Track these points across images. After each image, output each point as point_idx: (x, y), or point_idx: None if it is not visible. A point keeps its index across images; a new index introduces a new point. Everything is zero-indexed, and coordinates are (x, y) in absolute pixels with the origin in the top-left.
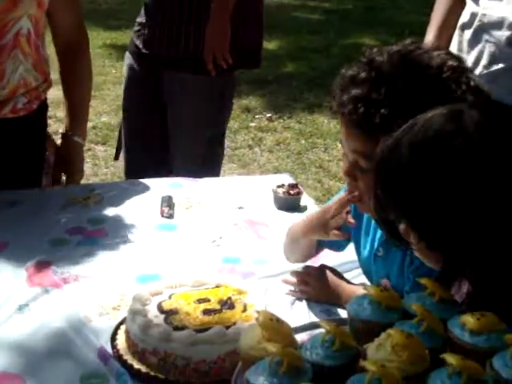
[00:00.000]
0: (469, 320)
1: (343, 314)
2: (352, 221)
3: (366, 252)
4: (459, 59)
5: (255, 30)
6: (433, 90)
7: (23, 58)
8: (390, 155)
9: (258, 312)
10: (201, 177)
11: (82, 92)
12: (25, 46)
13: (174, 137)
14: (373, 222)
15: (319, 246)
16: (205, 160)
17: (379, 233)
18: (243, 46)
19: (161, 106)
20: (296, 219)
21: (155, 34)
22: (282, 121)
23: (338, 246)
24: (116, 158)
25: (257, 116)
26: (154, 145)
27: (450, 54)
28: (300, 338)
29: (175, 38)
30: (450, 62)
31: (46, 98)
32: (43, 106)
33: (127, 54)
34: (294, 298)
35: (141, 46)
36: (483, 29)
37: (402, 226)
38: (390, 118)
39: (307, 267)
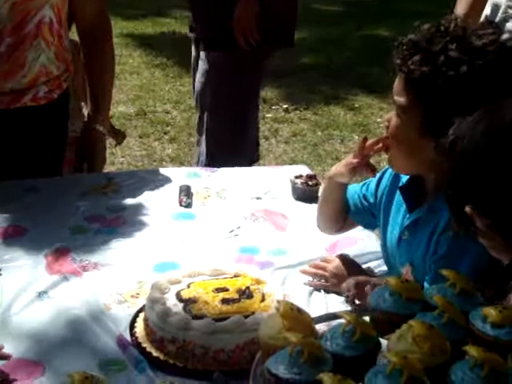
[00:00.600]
0: (491, 312)
1: None
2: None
3: (392, 233)
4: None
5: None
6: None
7: (45, 47)
8: (467, 142)
9: (278, 301)
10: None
11: (104, 80)
12: (47, 35)
13: None
14: (402, 209)
15: (351, 218)
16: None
17: (406, 217)
18: (276, 23)
19: None
20: (314, 210)
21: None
22: (298, 112)
23: (370, 224)
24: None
25: (273, 107)
26: None
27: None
28: (319, 328)
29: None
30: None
31: (67, 87)
32: (65, 95)
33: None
34: (312, 288)
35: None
36: (507, 20)
37: (472, 215)
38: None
39: (327, 258)
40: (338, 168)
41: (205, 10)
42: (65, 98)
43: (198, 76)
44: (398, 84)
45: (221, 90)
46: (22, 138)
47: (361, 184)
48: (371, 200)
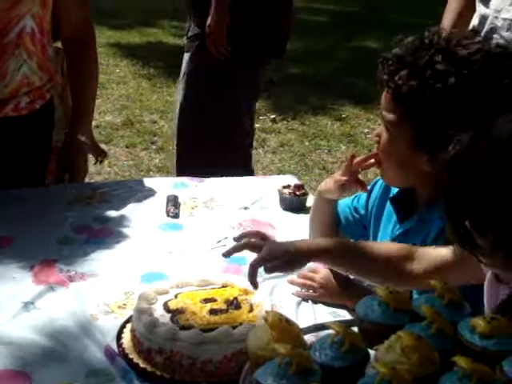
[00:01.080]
0: (479, 323)
1: (349, 316)
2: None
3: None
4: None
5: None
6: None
7: (27, 57)
8: (468, 155)
9: (266, 312)
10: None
11: (88, 90)
12: (29, 45)
13: None
14: (392, 220)
15: (342, 232)
16: None
17: (396, 228)
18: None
19: None
20: (302, 220)
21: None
22: (285, 122)
23: (361, 237)
24: None
25: (261, 117)
26: None
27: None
28: (308, 339)
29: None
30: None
31: (51, 98)
32: (48, 106)
33: None
34: (299, 299)
35: None
36: (494, 32)
37: (473, 231)
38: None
39: (314, 268)
40: (327, 184)
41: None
42: (48, 108)
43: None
44: (385, 100)
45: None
46: (5, 148)
47: (352, 197)
48: (362, 212)
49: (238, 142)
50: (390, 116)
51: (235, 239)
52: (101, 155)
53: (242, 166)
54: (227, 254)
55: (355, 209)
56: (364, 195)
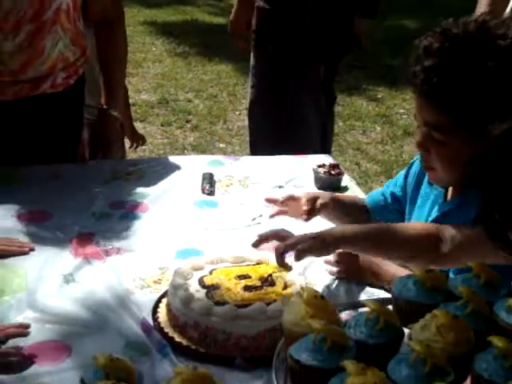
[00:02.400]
0: None
1: (384, 294)
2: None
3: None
4: None
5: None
6: (507, 60)
7: (63, 34)
8: None
9: (302, 288)
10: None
11: (117, 66)
12: (65, 22)
13: None
14: (430, 197)
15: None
16: None
17: (435, 209)
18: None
19: None
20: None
21: None
22: None
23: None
24: None
25: None
26: None
27: None
28: (342, 316)
29: None
30: None
31: (83, 73)
32: (81, 81)
33: None
34: (333, 277)
35: None
36: None
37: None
38: (463, 90)
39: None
40: None
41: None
42: (80, 83)
43: None
44: (427, 110)
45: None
46: (41, 124)
47: (387, 184)
48: (399, 194)
49: (305, 138)
50: (440, 134)
51: (253, 245)
52: (137, 140)
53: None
54: (255, 245)
55: (392, 194)
56: (401, 177)
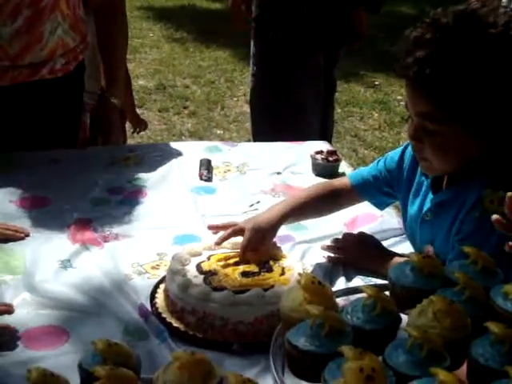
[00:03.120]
0: None
1: (381, 281)
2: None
3: (412, 211)
4: None
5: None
6: (499, 49)
7: (62, 20)
8: None
9: (300, 274)
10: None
11: (117, 53)
12: (64, 8)
13: None
14: (423, 187)
15: (360, 197)
16: None
17: (429, 197)
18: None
19: None
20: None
21: None
22: None
23: (380, 204)
24: None
25: None
26: None
27: None
28: (339, 302)
29: None
30: None
31: (83, 59)
32: (80, 67)
33: None
34: (331, 263)
35: None
36: None
37: None
38: (456, 80)
39: (346, 234)
40: None
41: None
42: (80, 69)
43: None
44: (420, 101)
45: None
46: (40, 109)
47: (375, 164)
48: (394, 169)
49: (305, 126)
50: (433, 125)
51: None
52: (139, 125)
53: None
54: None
55: (387, 170)
56: (396, 155)
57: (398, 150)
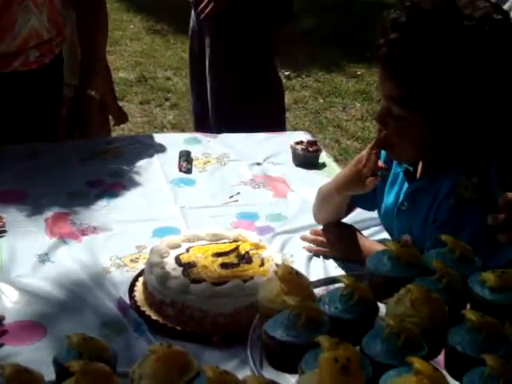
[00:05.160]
0: (489, 277)
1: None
2: (382, 165)
3: (388, 202)
4: (506, 13)
5: None
6: (470, 42)
7: (36, 10)
8: None
9: (277, 265)
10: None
11: (96, 43)
12: None
13: None
14: (399, 178)
15: (351, 206)
16: None
17: (405, 186)
18: None
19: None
20: (314, 176)
21: None
22: (299, 79)
23: (371, 205)
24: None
25: None
26: None
27: (496, 6)
28: (317, 292)
29: None
30: (495, 16)
31: (60, 52)
32: (57, 60)
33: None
34: (311, 254)
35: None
36: None
37: None
38: (425, 65)
39: (326, 225)
40: (351, 179)
41: None
42: (58, 62)
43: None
44: (391, 89)
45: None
46: (16, 102)
47: None
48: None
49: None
50: (398, 109)
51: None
52: (121, 117)
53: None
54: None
55: None
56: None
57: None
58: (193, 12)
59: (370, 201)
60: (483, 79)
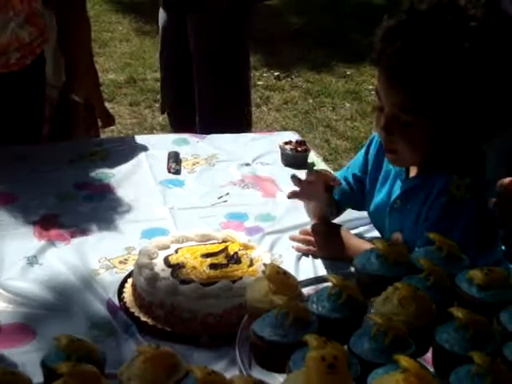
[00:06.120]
0: (477, 275)
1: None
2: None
3: (379, 200)
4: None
5: None
6: (479, 43)
7: (13, 15)
8: None
9: (265, 265)
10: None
11: (78, 47)
12: (16, 3)
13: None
14: (391, 174)
15: (341, 207)
16: None
17: (397, 185)
18: None
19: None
20: (303, 176)
21: None
22: (289, 79)
23: (359, 205)
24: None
25: (264, 74)
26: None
27: (492, 2)
28: (306, 292)
29: None
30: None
31: (42, 53)
32: (39, 61)
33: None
34: (300, 254)
35: None
36: None
37: None
38: (435, 72)
39: (315, 225)
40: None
41: None
42: (39, 63)
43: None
44: (400, 98)
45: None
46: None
47: (346, 167)
48: (360, 174)
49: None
50: (408, 116)
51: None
52: (107, 120)
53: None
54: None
55: (354, 176)
56: (361, 155)
57: (362, 150)
58: (163, 11)
59: (357, 200)
60: (489, 78)
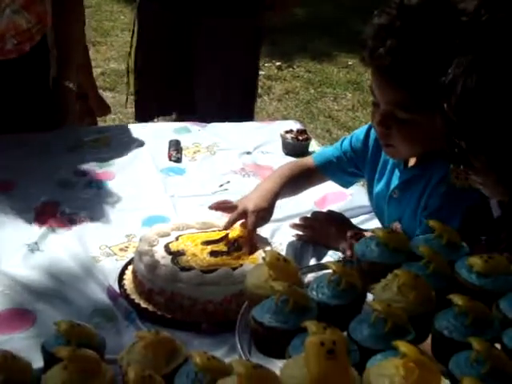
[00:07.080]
0: (476, 262)
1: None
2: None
3: (379, 190)
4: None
5: None
6: (471, 37)
7: (10, 1)
8: (466, 78)
9: (265, 251)
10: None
11: (71, 36)
12: None
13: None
14: (389, 165)
15: (325, 176)
16: None
17: (396, 174)
18: None
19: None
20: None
21: None
22: (291, 69)
23: (345, 183)
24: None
25: (266, 64)
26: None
27: None
28: (306, 279)
29: None
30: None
31: (44, 40)
32: (41, 47)
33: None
34: (300, 241)
35: None
36: None
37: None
38: (429, 67)
39: (315, 213)
40: None
41: None
42: (42, 49)
43: None
44: (395, 96)
45: None
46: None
47: (339, 144)
48: (360, 148)
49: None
50: (405, 114)
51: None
52: (102, 109)
53: None
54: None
55: (353, 150)
56: (362, 134)
57: (363, 129)
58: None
59: (343, 180)
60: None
